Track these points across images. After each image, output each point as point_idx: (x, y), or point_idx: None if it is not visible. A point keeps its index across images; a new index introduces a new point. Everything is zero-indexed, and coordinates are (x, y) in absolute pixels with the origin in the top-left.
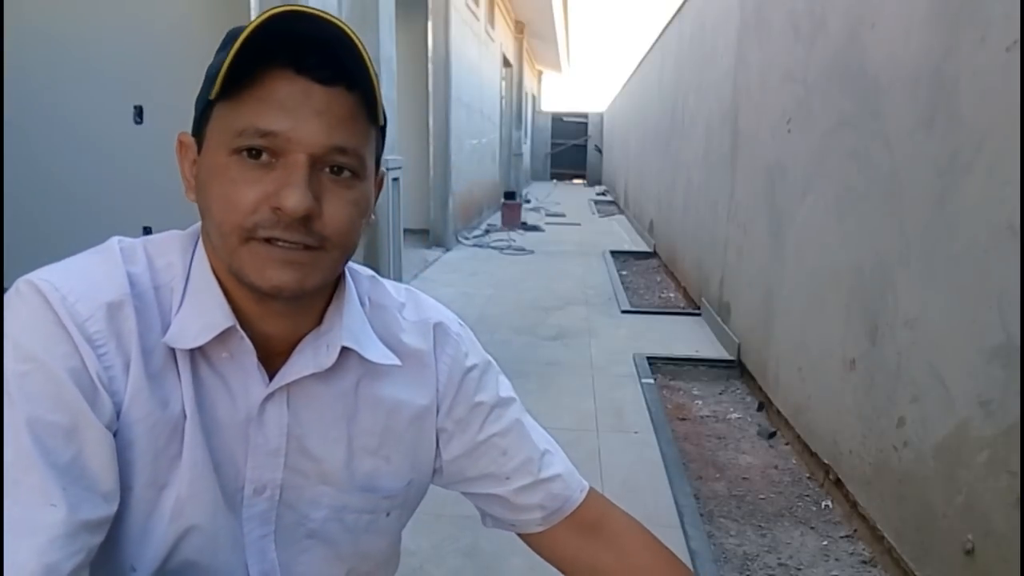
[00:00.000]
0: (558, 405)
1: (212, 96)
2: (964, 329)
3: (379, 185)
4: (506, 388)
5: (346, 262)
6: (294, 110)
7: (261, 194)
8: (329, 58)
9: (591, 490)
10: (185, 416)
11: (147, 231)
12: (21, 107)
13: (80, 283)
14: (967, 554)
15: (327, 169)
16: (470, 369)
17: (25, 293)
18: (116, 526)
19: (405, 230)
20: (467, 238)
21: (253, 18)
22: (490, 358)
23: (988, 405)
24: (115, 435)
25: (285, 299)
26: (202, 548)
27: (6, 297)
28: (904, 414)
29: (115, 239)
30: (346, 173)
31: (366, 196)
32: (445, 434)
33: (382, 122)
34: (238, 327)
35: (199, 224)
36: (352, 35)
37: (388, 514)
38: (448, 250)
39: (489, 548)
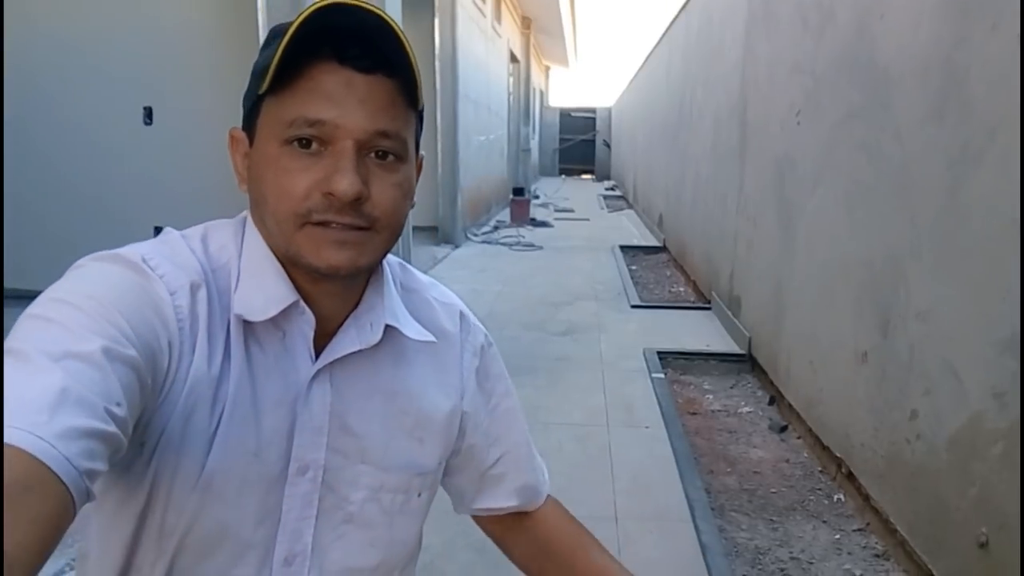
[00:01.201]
0: (568, 400)
1: (262, 91)
2: (977, 321)
3: (419, 168)
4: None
5: (394, 243)
6: (339, 99)
7: (312, 181)
8: (369, 47)
9: (550, 496)
10: (228, 393)
11: (157, 231)
12: (31, 108)
13: (165, 261)
14: (981, 547)
15: (372, 154)
16: (487, 346)
17: (114, 260)
18: (166, 491)
19: (414, 227)
20: (476, 234)
21: (259, 17)
22: None
23: (1002, 397)
24: (175, 412)
25: (341, 278)
26: (227, 519)
27: (84, 262)
28: (917, 407)
29: (168, 229)
30: (390, 157)
31: (409, 178)
32: (468, 416)
33: (421, 106)
34: (302, 301)
35: (245, 212)
36: (391, 22)
37: (420, 494)
38: (457, 247)
39: None
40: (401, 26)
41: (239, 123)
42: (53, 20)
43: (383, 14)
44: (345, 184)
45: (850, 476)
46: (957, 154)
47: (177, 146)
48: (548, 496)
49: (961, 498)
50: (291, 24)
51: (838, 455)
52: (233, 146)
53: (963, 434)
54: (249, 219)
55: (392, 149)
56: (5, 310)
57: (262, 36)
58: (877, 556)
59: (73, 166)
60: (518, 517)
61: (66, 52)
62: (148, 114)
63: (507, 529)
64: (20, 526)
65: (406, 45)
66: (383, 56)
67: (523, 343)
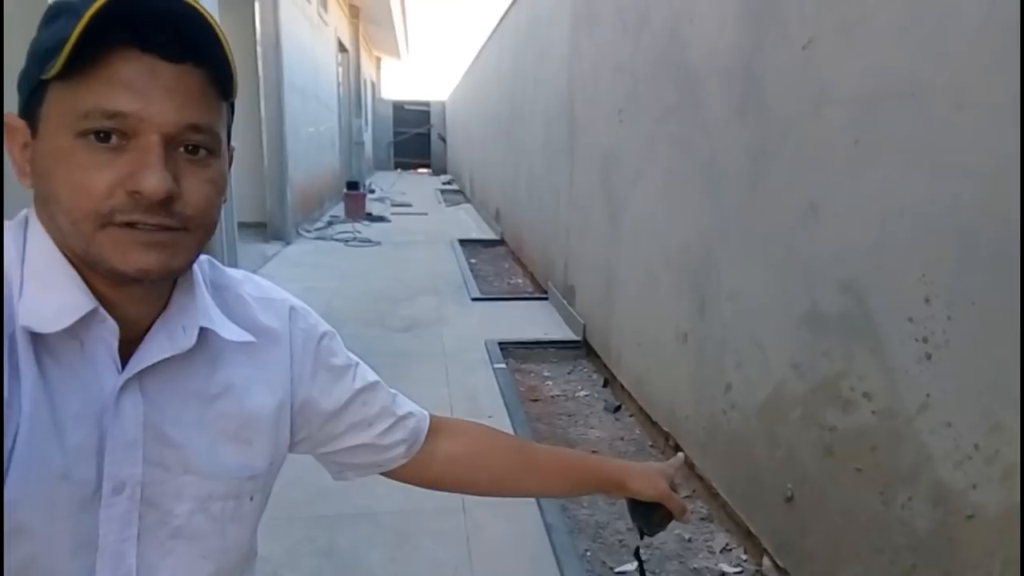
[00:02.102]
0: (412, 395)
1: (48, 76)
2: (777, 299)
3: (230, 161)
4: (347, 351)
5: (207, 242)
6: (142, 89)
7: (115, 178)
8: (175, 34)
9: (431, 414)
10: (20, 412)
11: None
12: None
13: None
14: (787, 501)
15: (182, 149)
16: (323, 336)
17: None
18: None
19: (239, 223)
20: (309, 231)
21: None
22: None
23: (799, 367)
24: None
25: (151, 282)
26: (36, 554)
27: None
28: (730, 380)
29: None
30: (202, 152)
31: (222, 174)
32: (309, 404)
33: (234, 96)
34: (101, 308)
35: (26, 211)
36: (199, 8)
37: (252, 498)
38: (288, 244)
39: (347, 545)
40: (218, 10)
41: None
42: None
43: (192, 1)
44: (154, 182)
45: (677, 448)
46: (757, 150)
47: None
48: (430, 420)
49: (770, 459)
50: (84, 3)
51: (666, 429)
52: (9, 135)
53: (769, 402)
54: (32, 219)
55: (204, 143)
56: None
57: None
58: (703, 519)
59: None
60: (419, 456)
61: None
62: None
63: (416, 472)
64: None
65: (218, 32)
66: (190, 43)
67: (364, 340)
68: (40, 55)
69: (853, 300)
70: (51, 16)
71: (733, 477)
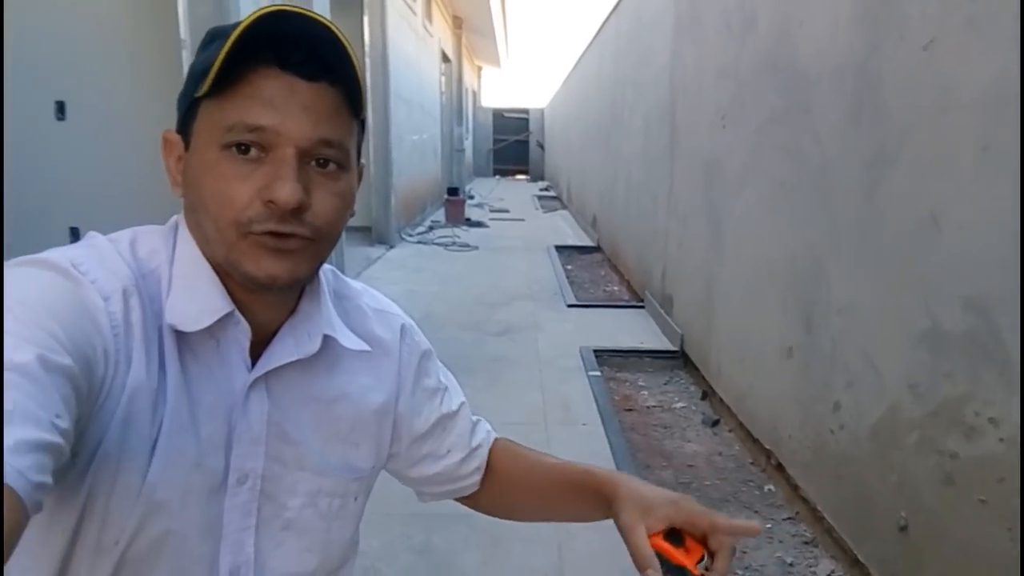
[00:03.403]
0: (506, 400)
1: (200, 94)
2: (892, 316)
3: (359, 176)
4: (443, 371)
5: (331, 252)
6: (281, 106)
7: (253, 189)
8: (312, 55)
9: (496, 438)
10: (166, 402)
11: (74, 233)
12: None
13: (95, 266)
14: (901, 530)
15: (314, 162)
16: (423, 354)
17: (41, 265)
18: (104, 504)
19: (346, 227)
20: (411, 235)
21: (180, 9)
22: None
23: (916, 388)
24: (112, 422)
25: (279, 288)
26: (173, 530)
27: (5, 267)
28: (839, 399)
29: (92, 233)
30: (332, 165)
31: (351, 188)
32: (403, 419)
33: (364, 115)
34: (237, 311)
35: (176, 217)
36: (335, 31)
37: (356, 498)
38: (391, 247)
39: (442, 545)
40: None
41: (161, 118)
42: None
43: (329, 23)
44: (286, 192)
45: (779, 467)
46: (872, 156)
47: (93, 142)
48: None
49: (882, 484)
50: (233, 27)
51: (767, 447)
52: (166, 148)
53: (883, 424)
54: (182, 224)
55: (335, 158)
56: None
57: (183, 31)
58: (806, 543)
59: None
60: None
61: None
62: (60, 108)
63: (471, 496)
64: None
65: (351, 54)
66: (326, 64)
67: (461, 344)
68: (195, 76)
69: (980, 318)
70: (207, 41)
71: (840, 501)
